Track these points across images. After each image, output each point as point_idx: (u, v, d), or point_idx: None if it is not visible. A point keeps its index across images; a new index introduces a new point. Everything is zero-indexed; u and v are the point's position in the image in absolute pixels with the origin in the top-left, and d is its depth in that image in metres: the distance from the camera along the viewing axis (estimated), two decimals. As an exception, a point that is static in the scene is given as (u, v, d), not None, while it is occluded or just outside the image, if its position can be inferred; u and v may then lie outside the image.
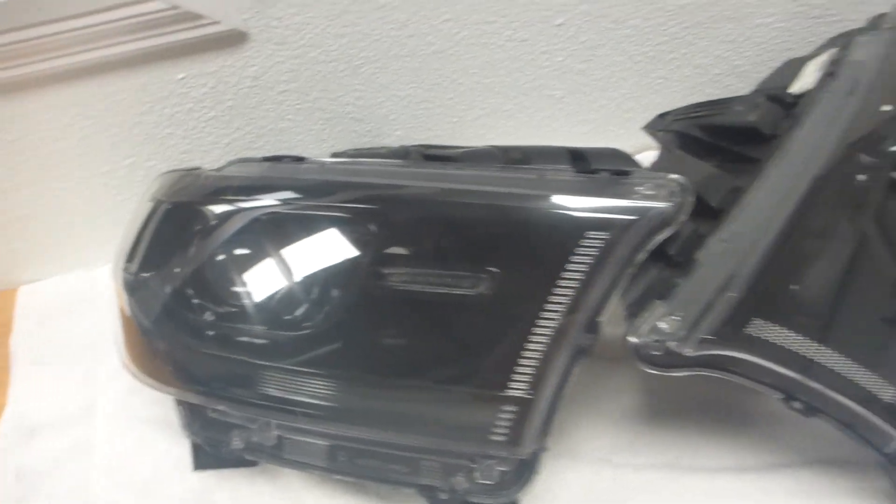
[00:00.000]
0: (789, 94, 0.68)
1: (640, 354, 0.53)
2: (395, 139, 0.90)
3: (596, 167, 0.58)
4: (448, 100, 0.87)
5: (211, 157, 0.86)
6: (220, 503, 0.74)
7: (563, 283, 0.55)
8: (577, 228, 0.55)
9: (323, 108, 0.84)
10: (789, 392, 0.55)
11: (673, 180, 0.56)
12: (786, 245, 0.55)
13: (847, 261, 0.56)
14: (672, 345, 0.52)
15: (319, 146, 0.88)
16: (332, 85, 0.82)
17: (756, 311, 0.53)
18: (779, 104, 0.67)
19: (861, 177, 0.57)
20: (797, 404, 0.56)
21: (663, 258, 0.58)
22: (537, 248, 0.57)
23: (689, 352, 0.52)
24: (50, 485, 0.77)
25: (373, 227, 0.61)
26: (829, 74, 0.66)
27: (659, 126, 0.82)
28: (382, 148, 0.75)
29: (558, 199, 0.56)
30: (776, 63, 0.83)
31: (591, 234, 0.55)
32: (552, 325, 0.56)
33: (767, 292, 0.54)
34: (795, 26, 0.88)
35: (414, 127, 0.89)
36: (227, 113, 0.82)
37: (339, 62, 0.80)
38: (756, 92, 0.72)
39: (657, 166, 0.74)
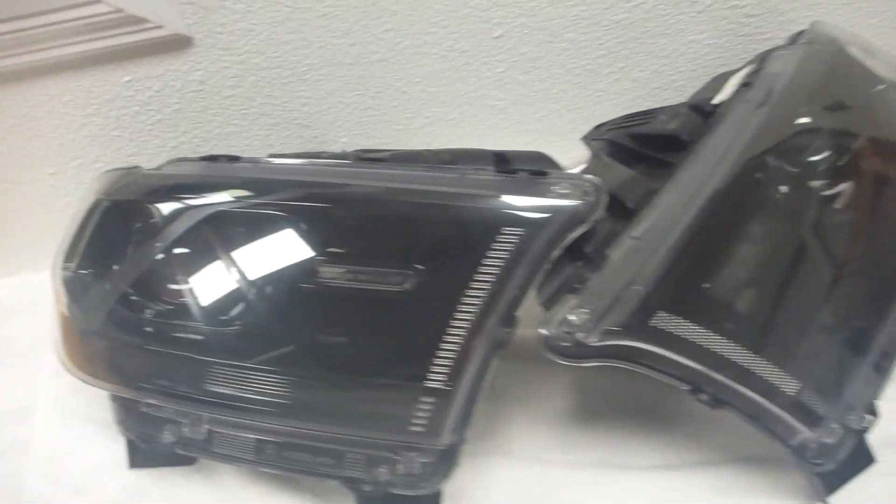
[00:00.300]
0: (710, 104, 0.71)
1: (550, 345, 0.55)
2: (340, 146, 0.92)
3: (516, 168, 0.61)
4: (393, 108, 0.89)
5: (158, 160, 0.86)
6: (155, 502, 0.74)
7: (479, 277, 0.58)
8: (492, 224, 0.57)
9: (269, 113, 0.86)
10: (695, 384, 0.57)
11: (587, 180, 0.59)
12: (690, 243, 0.57)
13: (751, 260, 0.58)
14: (580, 336, 0.54)
15: (266, 151, 0.90)
16: (277, 91, 0.84)
17: (661, 304, 0.55)
18: (699, 113, 0.70)
19: (767, 182, 0.60)
20: (704, 396, 0.58)
21: (580, 255, 0.60)
22: (456, 243, 0.59)
23: (595, 342, 0.54)
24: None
25: (303, 225, 0.62)
26: (745, 85, 0.69)
27: (594, 136, 0.84)
28: (321, 152, 0.77)
29: (475, 197, 0.59)
30: (709, 78, 0.86)
31: (507, 230, 0.57)
32: (469, 318, 0.58)
33: (672, 287, 0.56)
34: (727, 43, 0.91)
35: (360, 134, 0.91)
36: (173, 117, 0.84)
37: (284, 68, 0.82)
38: (682, 104, 0.75)
39: (585, 172, 0.76)
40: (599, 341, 0.54)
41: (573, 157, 0.88)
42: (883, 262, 0.66)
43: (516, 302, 0.58)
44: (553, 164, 0.66)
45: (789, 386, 0.59)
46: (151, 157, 0.87)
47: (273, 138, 0.89)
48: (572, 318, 0.55)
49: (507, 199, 0.58)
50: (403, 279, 0.60)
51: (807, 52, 0.71)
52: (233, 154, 0.68)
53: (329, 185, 0.65)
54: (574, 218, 0.57)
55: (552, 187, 0.59)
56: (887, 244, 0.65)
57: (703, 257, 0.58)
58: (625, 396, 0.78)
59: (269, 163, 0.68)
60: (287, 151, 0.89)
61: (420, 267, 0.60)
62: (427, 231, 0.60)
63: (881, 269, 0.66)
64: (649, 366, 0.56)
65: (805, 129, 0.66)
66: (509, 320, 0.58)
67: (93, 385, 0.71)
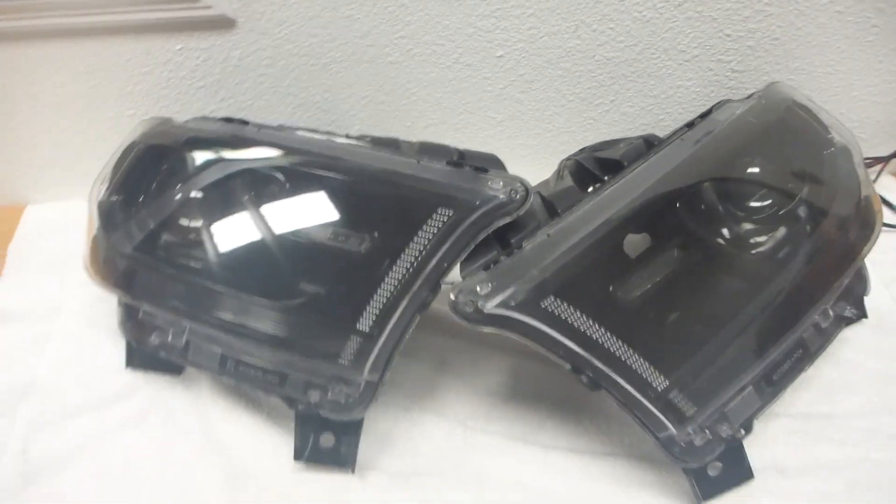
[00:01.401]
0: (657, 138, 0.81)
1: (454, 308, 0.66)
2: (354, 132, 1.04)
3: (464, 163, 0.72)
4: (402, 106, 1.01)
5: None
6: (142, 399, 0.88)
7: (412, 246, 0.69)
8: (429, 204, 0.69)
9: (295, 94, 1.00)
10: (576, 365, 0.67)
11: (519, 181, 0.70)
12: (590, 245, 0.67)
13: (641, 270, 0.68)
14: (479, 304, 0.65)
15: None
16: (303, 76, 0.98)
17: (553, 290, 0.66)
18: (647, 145, 0.80)
19: (668, 209, 0.69)
20: (584, 378, 0.68)
21: (506, 244, 0.71)
22: (400, 216, 0.71)
23: (489, 311, 0.65)
24: (7, 360, 0.93)
25: (296, 187, 0.74)
26: (689, 125, 0.78)
27: (571, 156, 0.95)
28: (326, 131, 0.89)
29: (420, 180, 0.70)
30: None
31: (440, 210, 0.69)
32: (399, 278, 0.69)
33: (565, 278, 0.66)
34: (712, 93, 1.00)
35: (372, 125, 1.04)
36: (214, 85, 0.98)
37: (310, 58, 0.96)
38: (640, 136, 0.85)
39: (544, 183, 0.87)
40: (493, 311, 0.65)
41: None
42: (776, 302, 0.74)
43: (441, 272, 0.69)
44: (500, 166, 0.77)
45: (658, 382, 0.68)
46: (194, 115, 1.02)
47: (297, 116, 1.03)
48: (478, 288, 0.66)
49: (446, 185, 0.70)
50: (361, 242, 0.72)
51: (753, 106, 0.80)
52: (244, 119, 0.81)
53: (319, 156, 0.77)
54: (499, 209, 0.68)
55: (487, 182, 0.70)
56: (779, 282, 0.73)
57: (599, 259, 0.68)
58: (552, 385, 0.87)
59: (274, 131, 0.81)
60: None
61: (375, 234, 0.71)
62: (380, 203, 0.71)
63: (774, 309, 0.74)
64: (536, 340, 0.66)
65: (720, 176, 0.75)
66: (435, 287, 0.69)
67: (106, 290, 0.85)
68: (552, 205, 0.73)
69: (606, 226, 0.68)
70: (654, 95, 1.00)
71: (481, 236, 0.69)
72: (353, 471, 0.78)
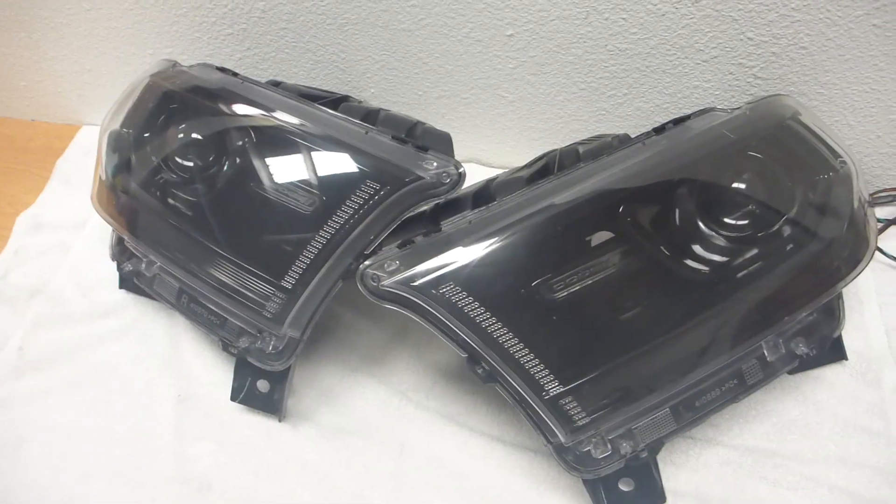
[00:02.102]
0: (629, 138, 0.78)
1: (360, 279, 0.68)
2: (369, 95, 1.07)
3: (408, 139, 0.73)
4: (415, 73, 1.02)
5: (228, 66, 1.07)
6: (127, 317, 0.96)
7: (340, 212, 0.71)
8: (360, 175, 0.70)
9: (313, 51, 1.03)
10: (472, 355, 0.67)
11: (454, 165, 0.70)
12: (505, 238, 0.67)
13: (551, 274, 0.67)
14: (381, 278, 0.66)
15: (309, 82, 1.07)
16: (320, 34, 1.00)
17: (454, 278, 0.66)
18: (620, 144, 0.77)
19: (592, 213, 0.68)
20: (479, 370, 0.68)
21: (436, 225, 0.71)
22: (336, 182, 0.72)
23: (388, 287, 0.66)
24: (29, 263, 1.03)
25: (268, 146, 0.77)
26: (659, 129, 0.75)
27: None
28: (318, 88, 0.92)
29: (358, 150, 0.72)
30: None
31: (370, 182, 0.70)
32: (325, 242, 0.72)
33: (471, 268, 0.66)
34: (733, 98, 0.94)
35: (385, 89, 1.05)
36: (240, 34, 1.03)
37: (327, 17, 0.98)
38: (619, 135, 0.82)
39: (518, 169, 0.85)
40: (391, 288, 0.66)
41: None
42: (708, 326, 0.71)
43: (366, 242, 0.71)
44: (448, 147, 0.77)
45: (552, 387, 0.67)
46: (223, 61, 1.07)
47: (315, 73, 1.06)
48: (386, 264, 0.67)
49: (379, 159, 0.71)
50: (300, 202, 0.74)
51: (735, 118, 0.75)
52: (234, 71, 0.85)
53: (281, 118, 0.78)
54: (425, 189, 0.69)
55: (422, 162, 0.70)
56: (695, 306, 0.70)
57: (509, 253, 0.67)
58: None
59: (259, 89, 0.83)
60: (323, 87, 1.05)
61: (313, 196, 0.74)
62: (320, 168, 0.73)
63: (704, 333, 0.71)
64: (433, 324, 0.67)
65: (666, 186, 0.71)
66: (359, 256, 0.71)
67: (100, 215, 0.92)
68: (491, 193, 0.72)
69: (524, 220, 0.67)
70: (669, 93, 0.96)
71: (408, 213, 0.70)
72: (279, 419, 0.82)
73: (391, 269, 0.66)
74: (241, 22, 1.02)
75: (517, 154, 1.08)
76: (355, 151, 0.71)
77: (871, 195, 0.99)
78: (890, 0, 0.81)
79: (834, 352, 0.82)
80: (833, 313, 0.77)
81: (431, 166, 0.69)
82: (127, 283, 0.97)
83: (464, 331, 0.66)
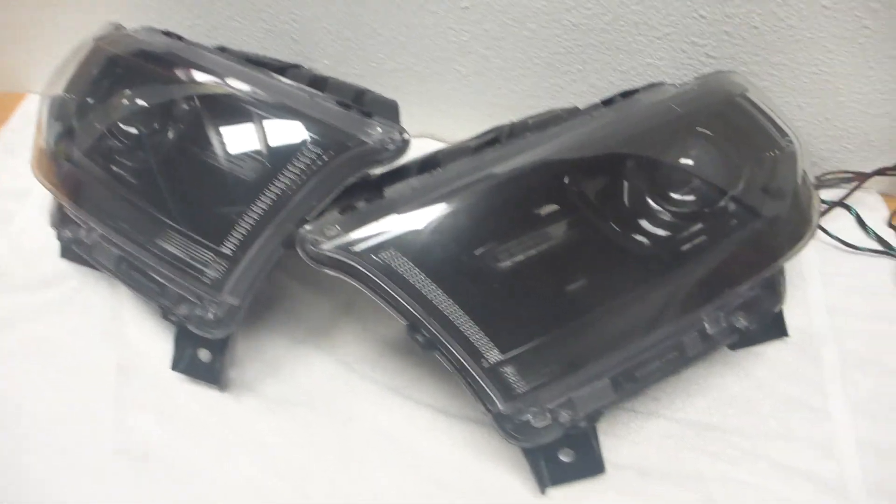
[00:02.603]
0: (578, 110, 0.78)
1: (300, 244, 0.66)
2: (322, 66, 1.05)
3: (351, 104, 0.71)
4: (369, 45, 1.01)
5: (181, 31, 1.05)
6: (67, 286, 0.94)
7: (281, 177, 0.70)
8: (302, 139, 0.69)
9: (265, 20, 1.01)
10: (412, 323, 0.67)
11: (398, 131, 0.69)
12: (448, 204, 0.66)
13: (492, 239, 0.66)
14: (321, 243, 0.65)
15: (262, 52, 1.05)
16: (273, 2, 0.98)
17: (394, 244, 0.65)
18: (569, 116, 0.77)
19: (532, 185, 0.67)
20: (419, 337, 0.67)
21: (380, 191, 0.70)
22: (278, 147, 0.71)
23: (327, 252, 0.65)
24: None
25: (212, 112, 0.75)
26: (608, 101, 0.75)
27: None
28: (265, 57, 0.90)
29: (301, 114, 0.70)
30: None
31: (311, 146, 0.69)
32: (265, 207, 0.70)
33: (411, 234, 0.65)
34: (685, 76, 0.95)
35: (339, 61, 1.04)
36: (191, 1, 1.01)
37: (278, -17, 0.96)
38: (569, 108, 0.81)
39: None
40: (330, 253, 0.65)
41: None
42: (649, 297, 0.71)
43: (307, 208, 0.70)
44: (394, 114, 0.76)
45: (491, 354, 0.66)
46: (173, 28, 1.04)
47: (268, 43, 1.04)
48: (326, 229, 0.66)
49: (322, 123, 0.69)
50: (243, 166, 0.73)
51: (683, 93, 0.76)
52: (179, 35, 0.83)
53: (225, 82, 0.76)
54: (369, 155, 0.68)
55: (366, 127, 0.69)
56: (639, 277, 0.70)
57: (452, 222, 0.66)
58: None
59: (204, 53, 0.81)
60: (276, 57, 1.03)
61: (255, 159, 0.72)
62: (263, 131, 0.72)
63: (645, 304, 0.71)
64: (372, 290, 0.66)
65: (611, 158, 0.71)
66: (299, 223, 0.70)
67: (40, 182, 0.90)
68: (438, 162, 0.71)
69: (467, 188, 0.66)
70: (623, 70, 0.96)
71: (351, 179, 0.69)
72: (219, 389, 0.81)
73: (331, 233, 0.65)
74: (191, -12, 0.99)
75: (472, 130, 1.04)
76: (298, 115, 0.70)
77: (817, 177, 1.00)
78: (838, -19, 0.82)
79: (775, 328, 0.83)
80: (775, 289, 0.78)
81: (376, 132, 0.68)
82: (68, 252, 0.94)
83: (404, 297, 0.65)
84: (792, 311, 0.88)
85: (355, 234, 0.65)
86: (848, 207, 0.98)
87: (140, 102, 0.79)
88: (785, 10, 0.85)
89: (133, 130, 0.78)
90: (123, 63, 0.82)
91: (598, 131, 0.70)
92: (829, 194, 1.00)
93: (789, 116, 0.93)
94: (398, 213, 0.66)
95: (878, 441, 0.78)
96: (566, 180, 0.69)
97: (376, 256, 0.65)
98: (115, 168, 0.78)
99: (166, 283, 0.77)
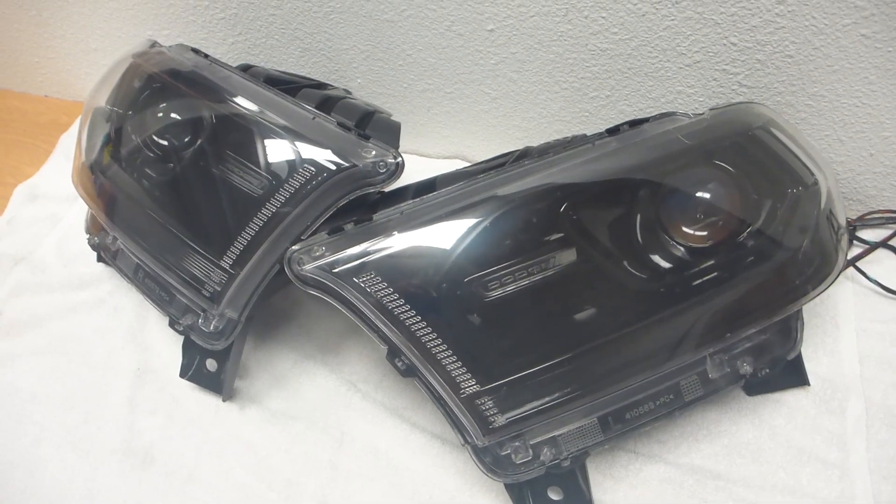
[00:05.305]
0: (585, 137, 0.76)
1: (287, 263, 0.67)
2: (356, 86, 1.07)
3: (350, 126, 0.72)
4: (399, 66, 1.02)
5: (221, 49, 1.09)
6: (101, 289, 0.99)
7: (278, 195, 0.71)
8: (299, 159, 0.70)
9: (301, 38, 1.03)
10: (391, 348, 0.66)
11: (392, 156, 0.69)
12: (433, 231, 0.65)
13: (481, 272, 0.65)
14: (305, 263, 0.66)
15: (298, 71, 1.07)
16: (307, 22, 1.01)
17: (374, 267, 0.65)
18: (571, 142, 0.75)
19: (525, 213, 0.66)
20: (399, 363, 0.67)
21: (370, 214, 0.70)
22: (277, 166, 0.72)
23: (308, 272, 0.66)
24: (20, 232, 1.07)
25: (226, 131, 0.78)
26: (614, 129, 0.72)
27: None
28: (291, 74, 0.92)
29: (300, 136, 0.72)
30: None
31: (307, 167, 0.70)
32: (262, 224, 0.72)
33: (391, 260, 0.65)
34: (718, 105, 0.90)
35: (371, 80, 1.05)
36: (232, 18, 1.04)
37: (313, 4, 0.98)
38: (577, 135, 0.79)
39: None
40: (313, 274, 0.65)
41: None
42: (642, 337, 0.68)
43: (302, 228, 0.71)
44: (394, 137, 0.76)
45: (469, 386, 0.65)
46: (217, 45, 1.09)
47: (304, 61, 1.06)
48: (314, 249, 0.67)
49: (318, 144, 0.70)
50: (255, 185, 0.74)
51: (694, 123, 0.73)
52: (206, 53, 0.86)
53: (238, 103, 0.78)
54: (360, 177, 0.68)
55: (361, 150, 0.70)
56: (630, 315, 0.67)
57: (435, 248, 0.65)
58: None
59: (224, 72, 0.84)
60: (316, 76, 1.05)
61: (257, 178, 0.74)
62: (265, 151, 0.73)
63: (638, 344, 0.68)
64: (354, 314, 0.66)
65: (599, 188, 0.69)
66: (295, 241, 0.71)
67: (79, 195, 0.94)
68: (434, 186, 0.71)
69: (452, 215, 0.65)
70: (653, 97, 0.93)
71: (344, 200, 0.69)
72: (223, 399, 0.83)
73: (316, 254, 0.66)
74: (232, 6, 1.03)
75: (501, 152, 1.06)
76: (296, 136, 0.71)
77: (862, 216, 0.94)
78: (878, 10, 0.77)
79: (793, 375, 0.78)
80: (789, 335, 0.73)
81: (369, 154, 0.69)
82: (102, 257, 0.99)
83: (383, 322, 0.65)
84: (818, 359, 0.83)
85: (337, 256, 0.66)
86: (894, 249, 0.91)
87: (166, 118, 0.82)
88: (821, 38, 0.81)
89: (157, 144, 0.80)
90: (156, 80, 0.85)
91: (596, 161, 0.68)
92: (872, 234, 0.93)
93: (828, 151, 0.89)
94: (382, 236, 0.66)
95: (899, 506, 0.72)
96: (560, 209, 0.67)
97: (357, 279, 0.65)
98: (134, 179, 0.82)
99: (175, 294, 0.80)
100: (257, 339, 0.91)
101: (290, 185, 0.70)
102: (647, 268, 0.68)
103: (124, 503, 0.78)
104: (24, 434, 0.85)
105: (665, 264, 0.68)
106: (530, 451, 0.67)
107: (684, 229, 0.69)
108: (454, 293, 0.65)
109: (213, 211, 0.75)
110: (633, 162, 0.69)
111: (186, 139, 0.79)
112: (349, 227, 0.67)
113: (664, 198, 0.69)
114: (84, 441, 0.84)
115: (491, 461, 0.68)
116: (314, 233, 0.70)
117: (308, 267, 0.65)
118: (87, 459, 0.82)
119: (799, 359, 0.77)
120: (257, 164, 0.73)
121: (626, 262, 0.68)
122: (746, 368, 0.70)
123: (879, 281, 0.88)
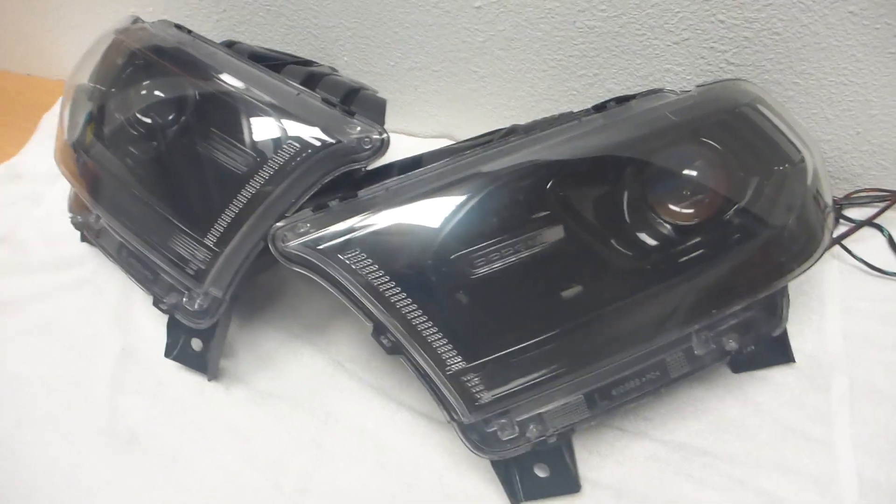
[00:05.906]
0: (571, 114, 0.75)
1: (271, 240, 0.67)
2: (342, 63, 1.06)
3: (335, 102, 0.71)
4: (386, 43, 1.01)
5: (206, 27, 1.08)
6: (84, 269, 0.98)
7: (263, 172, 0.70)
8: (283, 134, 0.69)
9: (286, 15, 1.02)
10: (376, 325, 0.66)
11: (377, 132, 0.68)
12: (418, 208, 0.65)
13: (466, 250, 0.64)
14: (289, 240, 0.65)
15: (284, 49, 1.06)
16: (292, -1, 1.00)
17: (359, 243, 0.64)
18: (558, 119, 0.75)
19: (513, 189, 0.65)
20: (384, 340, 0.66)
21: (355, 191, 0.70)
22: (259, 142, 0.71)
23: (292, 249, 0.65)
24: (3, 211, 1.06)
25: (212, 107, 0.76)
26: (600, 106, 0.72)
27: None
28: (273, 50, 0.91)
29: (284, 111, 0.71)
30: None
31: (290, 142, 0.69)
32: (246, 201, 0.71)
33: (377, 233, 0.64)
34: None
35: (358, 58, 1.04)
36: (217, -5, 1.03)
37: (298, -19, 0.97)
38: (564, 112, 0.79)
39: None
40: (296, 250, 0.65)
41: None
42: (628, 313, 0.68)
43: (286, 205, 0.70)
44: (380, 113, 0.75)
45: (455, 363, 0.65)
46: (201, 22, 1.07)
47: (290, 38, 1.05)
48: (298, 226, 0.66)
49: (302, 119, 0.69)
50: (239, 162, 0.73)
51: (681, 100, 0.72)
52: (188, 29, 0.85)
53: (223, 78, 0.77)
54: (345, 153, 0.68)
55: (345, 126, 0.69)
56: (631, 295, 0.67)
57: (419, 224, 0.65)
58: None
59: (207, 48, 0.82)
60: (298, 54, 1.04)
61: (242, 154, 0.73)
62: (250, 127, 0.72)
63: (623, 320, 0.68)
64: (338, 291, 0.65)
65: (585, 165, 0.69)
66: (279, 219, 0.70)
67: (62, 174, 0.93)
68: (420, 163, 0.71)
69: (437, 192, 0.65)
70: (641, 76, 0.92)
71: (328, 177, 0.69)
72: (209, 378, 0.82)
73: (301, 231, 0.65)
74: (218, -17, 1.01)
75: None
76: (280, 112, 0.70)
77: (848, 195, 0.94)
78: (866, -15, 0.76)
79: (779, 353, 0.78)
80: (774, 312, 0.73)
81: (354, 131, 0.68)
82: (86, 238, 0.98)
83: (368, 299, 0.64)
84: (804, 336, 0.83)
85: (321, 233, 0.65)
86: (880, 228, 0.92)
87: (148, 95, 0.81)
88: (808, 15, 0.80)
89: (140, 121, 0.79)
90: (140, 56, 0.83)
91: (584, 137, 0.68)
92: (859, 213, 0.93)
93: (815, 129, 0.88)
94: (367, 213, 0.65)
95: (882, 482, 0.72)
96: (546, 186, 0.66)
97: (342, 256, 0.64)
98: (116, 157, 0.81)
99: (158, 272, 0.79)
100: (243, 318, 0.90)
101: (275, 161, 0.69)
102: (633, 245, 0.68)
103: (108, 484, 0.77)
104: (5, 416, 0.84)
105: (651, 241, 0.68)
106: (516, 428, 0.67)
107: (671, 207, 0.69)
108: (440, 270, 0.64)
109: (196, 188, 0.75)
110: (619, 139, 0.69)
111: (170, 116, 0.77)
112: (334, 203, 0.67)
113: (650, 175, 0.69)
114: (67, 422, 0.83)
115: (477, 438, 0.67)
116: (299, 209, 0.69)
117: (292, 244, 0.65)
118: (71, 441, 0.81)
119: (784, 336, 0.78)
120: (241, 140, 0.72)
121: (612, 240, 0.68)
122: (732, 345, 0.70)
123: (865, 259, 0.88)
